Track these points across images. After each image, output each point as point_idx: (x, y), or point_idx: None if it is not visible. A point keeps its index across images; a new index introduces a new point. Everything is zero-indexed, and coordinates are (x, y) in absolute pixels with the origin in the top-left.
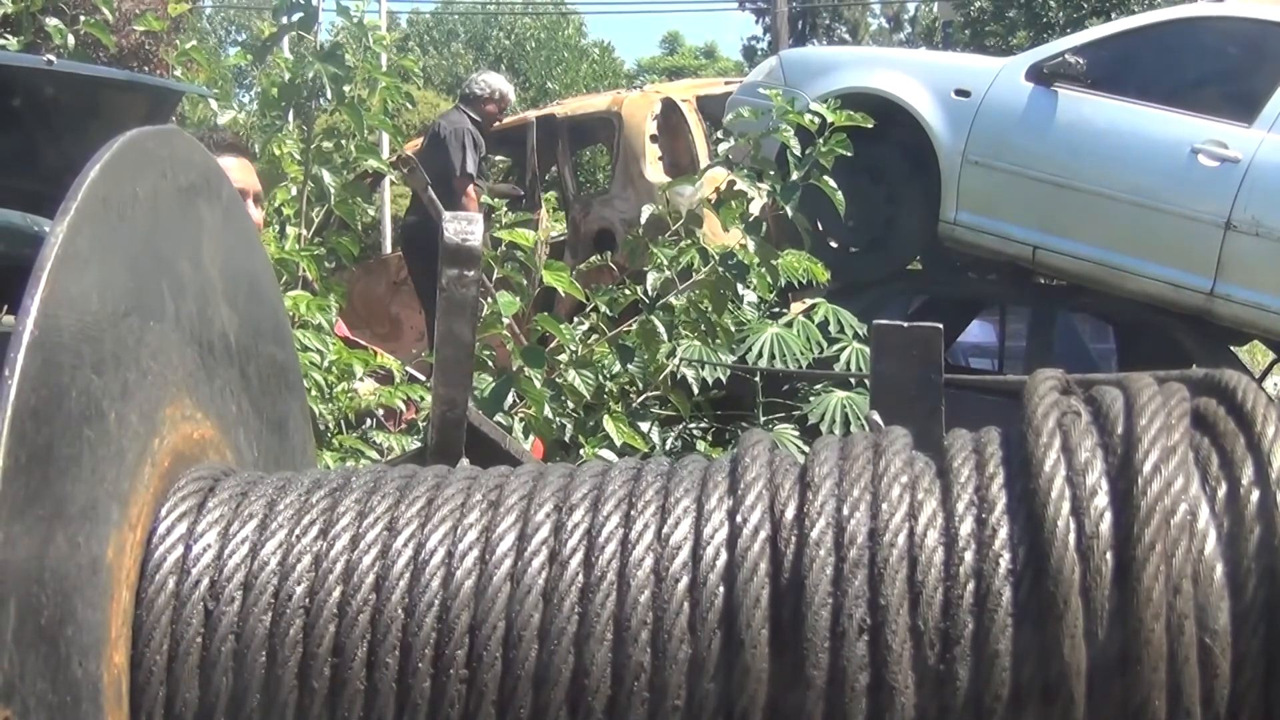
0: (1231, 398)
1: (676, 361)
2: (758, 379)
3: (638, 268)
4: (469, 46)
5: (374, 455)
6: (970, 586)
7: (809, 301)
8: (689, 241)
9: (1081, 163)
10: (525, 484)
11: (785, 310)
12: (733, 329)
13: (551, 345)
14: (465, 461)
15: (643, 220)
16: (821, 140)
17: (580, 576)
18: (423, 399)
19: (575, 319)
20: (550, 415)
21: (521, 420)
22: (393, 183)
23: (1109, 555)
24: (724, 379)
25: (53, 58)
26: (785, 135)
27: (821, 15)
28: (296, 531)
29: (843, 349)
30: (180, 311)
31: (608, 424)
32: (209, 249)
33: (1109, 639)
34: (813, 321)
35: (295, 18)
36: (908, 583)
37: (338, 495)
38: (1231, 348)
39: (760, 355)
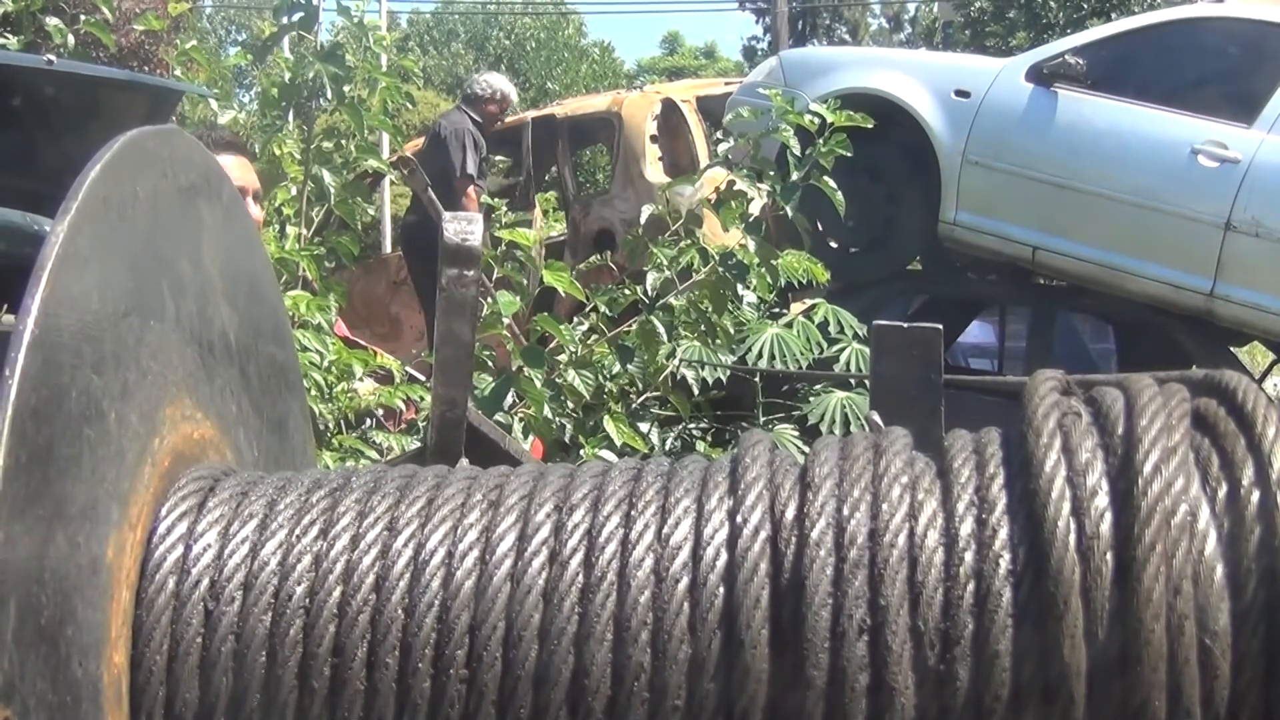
0: (1232, 398)
1: (676, 362)
2: (758, 379)
3: (638, 268)
4: (469, 46)
5: (374, 455)
6: (970, 587)
7: (809, 301)
8: (689, 242)
9: (1081, 163)
10: (525, 484)
11: (785, 310)
12: (732, 329)
13: (551, 345)
14: (465, 461)
15: (643, 220)
16: (821, 140)
17: (580, 577)
18: (423, 399)
19: (575, 319)
20: (550, 415)
21: (521, 420)
22: (393, 182)
23: (1109, 556)
24: (724, 379)
25: (53, 57)
26: (785, 135)
27: (821, 15)
28: (296, 531)
29: (843, 349)
30: (180, 311)
31: (608, 424)
32: (209, 249)
33: (1109, 639)
34: (813, 322)
35: (295, 18)
36: (908, 583)
37: (338, 495)
38: (1231, 348)
39: (760, 355)
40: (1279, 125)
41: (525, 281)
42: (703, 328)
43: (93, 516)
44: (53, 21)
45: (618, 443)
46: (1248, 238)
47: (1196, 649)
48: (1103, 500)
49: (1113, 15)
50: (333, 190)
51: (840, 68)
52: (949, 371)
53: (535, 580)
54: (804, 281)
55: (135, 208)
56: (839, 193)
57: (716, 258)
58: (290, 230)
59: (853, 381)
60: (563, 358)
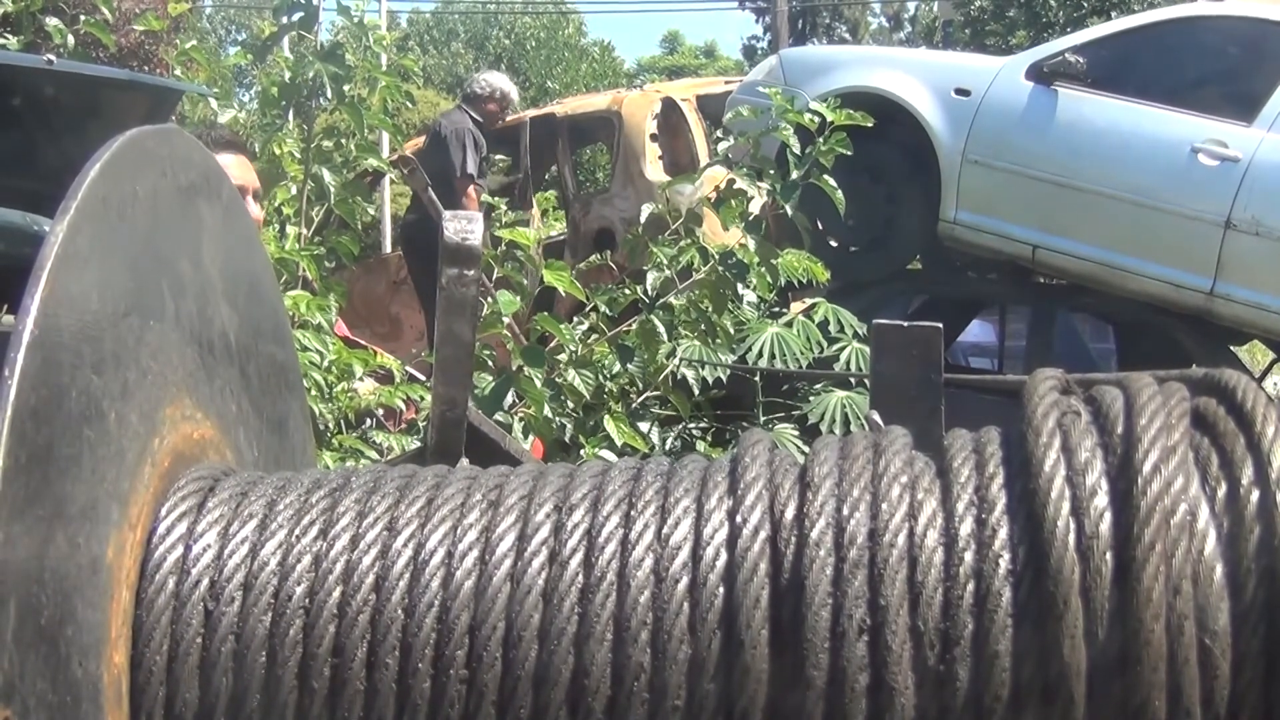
0: (1231, 398)
1: (676, 361)
2: (758, 379)
3: (637, 267)
4: (469, 46)
5: (374, 455)
6: (970, 587)
7: (809, 301)
8: (689, 241)
9: (1081, 162)
10: (525, 484)
11: (785, 310)
12: (732, 329)
13: (551, 345)
14: (465, 461)
15: (642, 219)
16: (821, 139)
17: (580, 577)
18: (423, 399)
19: (575, 319)
20: (550, 415)
21: (521, 420)
22: (393, 182)
23: (1109, 555)
24: (724, 379)
25: (53, 57)
26: (785, 134)
27: (821, 14)
28: (296, 532)
29: (843, 349)
30: (180, 311)
31: (608, 424)
32: (209, 248)
33: (1109, 639)
34: (813, 321)
35: (295, 17)
36: (908, 583)
37: (338, 495)
38: (1231, 348)
39: (760, 355)
40: (1279, 124)
41: (525, 281)
42: (703, 327)
43: (93, 516)
44: (53, 21)
45: (618, 442)
46: (1248, 236)
47: (1196, 649)
48: (1102, 500)
49: (1113, 14)
50: (333, 190)
51: (840, 66)
52: (949, 371)
53: (535, 580)
54: (804, 281)
55: (135, 207)
56: (839, 192)
57: (716, 257)
58: (290, 230)
59: (853, 381)
60: (563, 357)
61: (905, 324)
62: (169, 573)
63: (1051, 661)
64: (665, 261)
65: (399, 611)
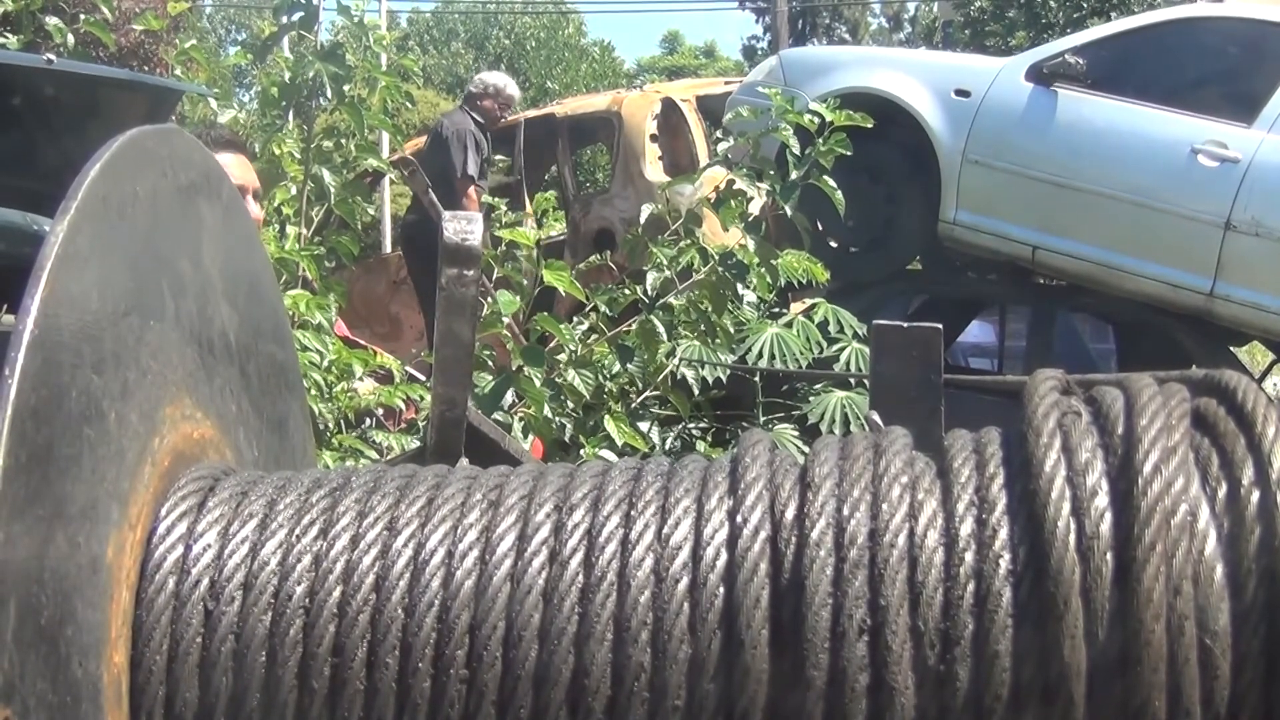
0: (1231, 398)
1: (676, 361)
2: (758, 379)
3: (637, 267)
4: (469, 46)
5: (374, 455)
6: (970, 587)
7: (809, 301)
8: (689, 241)
9: (1081, 163)
10: (525, 484)
11: (785, 310)
12: (732, 329)
13: (551, 345)
14: (465, 461)
15: (642, 220)
16: (821, 140)
17: (580, 577)
18: (422, 399)
19: (575, 319)
20: (550, 415)
21: (521, 420)
22: (393, 182)
23: (1109, 556)
24: (724, 379)
25: (52, 56)
26: (785, 135)
27: (821, 15)
28: (296, 531)
29: (843, 349)
30: (180, 310)
31: (608, 424)
32: (209, 248)
33: (1109, 640)
34: (812, 321)
35: (295, 17)
36: (908, 583)
37: (338, 495)
38: (1231, 348)
39: (760, 355)
40: (1279, 125)
41: (525, 281)
42: (703, 327)
43: (93, 516)
44: (53, 21)
45: (618, 442)
46: (1248, 237)
47: (1196, 649)
48: (1102, 500)
49: (1113, 15)
50: (333, 190)
51: (840, 67)
52: (949, 371)
53: (535, 580)
54: (804, 281)
55: (135, 207)
56: (839, 192)
57: (716, 257)
58: (290, 230)
59: (853, 381)
60: (562, 357)
61: (905, 324)
62: (169, 572)
63: (1052, 662)
64: (665, 262)
65: (399, 611)
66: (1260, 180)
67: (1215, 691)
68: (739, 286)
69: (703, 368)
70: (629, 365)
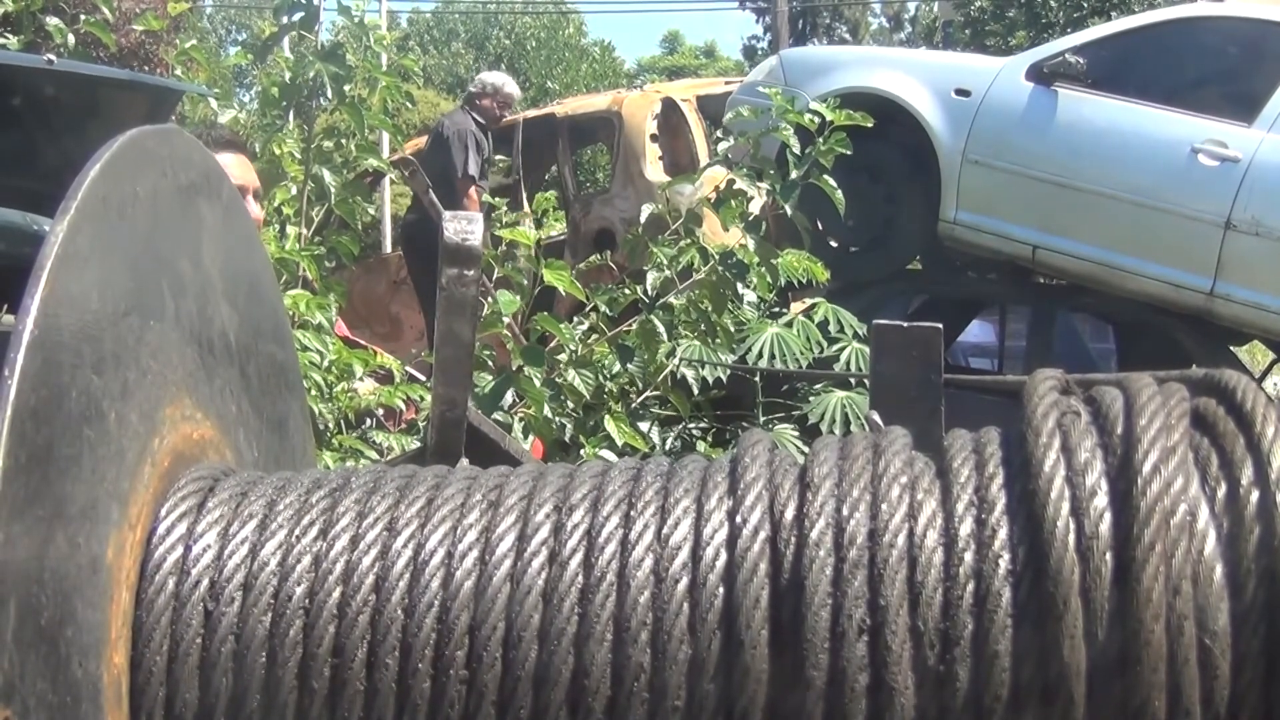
0: (1231, 398)
1: (676, 361)
2: (758, 379)
3: (637, 267)
4: (469, 46)
5: (374, 455)
6: (970, 587)
7: (809, 301)
8: (689, 241)
9: (1081, 162)
10: (525, 484)
11: (785, 310)
12: (732, 329)
13: (551, 345)
14: (465, 461)
15: (642, 219)
16: (821, 139)
17: (580, 577)
18: (423, 399)
19: (575, 319)
20: (550, 415)
21: (521, 420)
22: (393, 182)
23: (1109, 556)
24: (724, 379)
25: (53, 57)
26: (785, 134)
27: (822, 15)
28: (296, 532)
29: (843, 349)
30: (180, 311)
31: (608, 424)
32: (209, 248)
33: (1109, 640)
34: (812, 321)
35: (296, 17)
36: (907, 583)
37: (338, 495)
38: (1231, 348)
39: (760, 355)
40: (1279, 124)
41: (525, 281)
42: (703, 327)
43: (93, 516)
44: (53, 21)
45: (618, 442)
46: (1248, 237)
47: (1196, 649)
48: (1102, 500)
49: (1113, 14)
50: (333, 190)
51: (840, 67)
52: (949, 371)
53: (535, 581)
54: (804, 281)
55: (135, 207)
56: (839, 192)
57: (716, 257)
58: (290, 230)
59: (853, 381)
60: (563, 357)
61: (905, 324)
62: (169, 573)
63: (1051, 662)
64: (665, 261)
65: (399, 612)
66: (1260, 180)
67: (1215, 691)
68: (739, 286)
69: (703, 368)
70: (629, 365)
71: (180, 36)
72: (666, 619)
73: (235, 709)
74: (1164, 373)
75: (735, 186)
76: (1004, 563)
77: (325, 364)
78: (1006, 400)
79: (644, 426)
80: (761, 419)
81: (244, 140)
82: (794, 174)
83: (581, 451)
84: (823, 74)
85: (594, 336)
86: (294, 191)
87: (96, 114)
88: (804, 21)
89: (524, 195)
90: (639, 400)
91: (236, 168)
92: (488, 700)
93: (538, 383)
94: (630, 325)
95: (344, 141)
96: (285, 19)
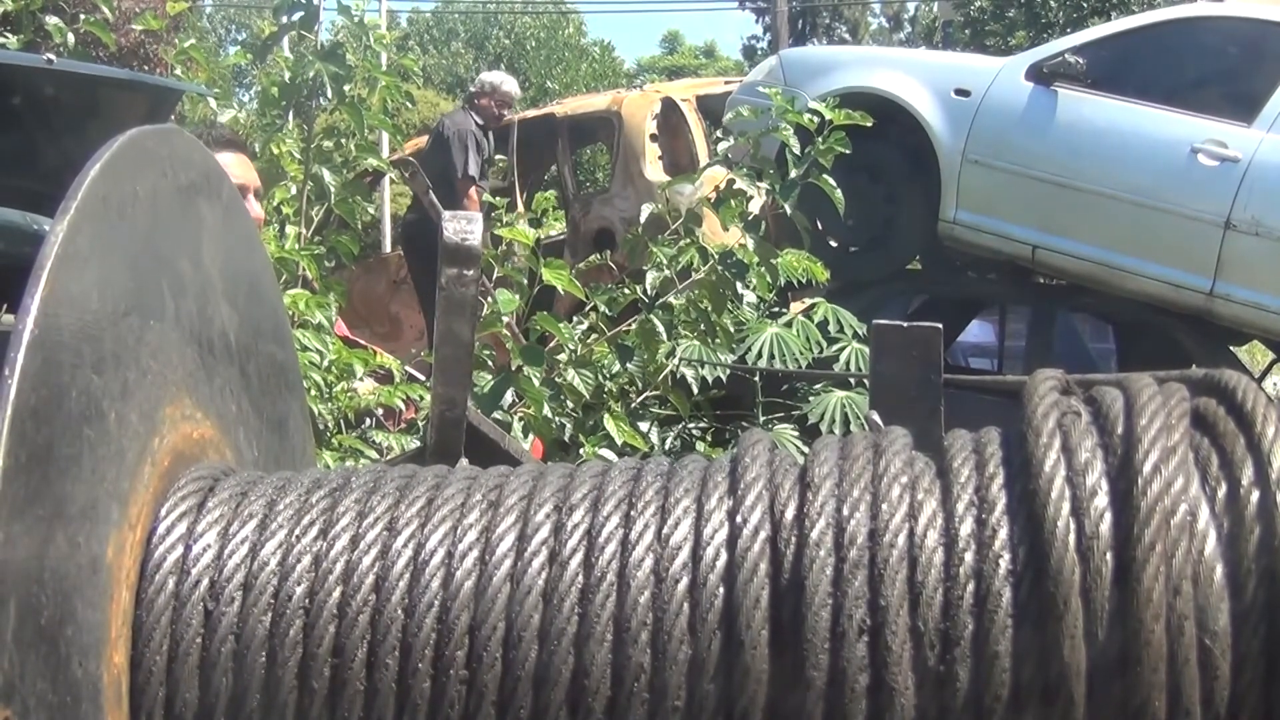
0: (1231, 398)
1: (676, 361)
2: (757, 379)
3: (637, 267)
4: (469, 46)
5: (373, 455)
6: (970, 587)
7: (809, 301)
8: (688, 241)
9: (1081, 162)
10: (525, 484)
11: (785, 310)
12: (732, 329)
13: (551, 344)
14: (465, 461)
15: (642, 219)
16: (821, 139)
17: (580, 577)
18: (422, 399)
19: (574, 318)
20: (550, 414)
21: (521, 420)
22: (393, 182)
23: (1109, 556)
24: (724, 379)
25: (52, 56)
26: (785, 134)
27: (821, 15)
28: (296, 532)
29: (842, 349)
30: (180, 310)
31: (608, 423)
32: (209, 248)
33: (1109, 640)
34: (812, 321)
35: (296, 17)
36: (908, 583)
37: (338, 495)
38: (1231, 348)
39: (760, 355)
40: (1279, 124)
41: (524, 281)
42: (702, 327)
43: (93, 516)
44: (53, 21)
45: (618, 442)
46: (1247, 237)
47: (1196, 649)
48: (1102, 500)
49: (1113, 14)
50: (333, 189)
51: (840, 67)
52: (949, 371)
53: (535, 581)
54: (804, 281)
55: (135, 207)
56: (838, 192)
57: (716, 257)
58: (290, 229)
59: (852, 381)
60: (562, 357)
61: (905, 324)
62: (169, 573)
63: (1051, 662)
64: (665, 261)
65: (399, 612)
66: (1260, 179)
67: (1215, 691)
68: (739, 286)
69: (703, 367)
70: (629, 365)
71: (180, 36)
72: (667, 619)
73: (235, 709)
74: (1164, 373)
75: (735, 186)
76: (1004, 563)
77: (325, 364)
78: (1006, 400)
79: (644, 426)
80: (761, 419)
81: (244, 140)
82: (794, 174)
83: (581, 451)
84: (822, 74)
85: (593, 336)
86: (294, 191)
87: (96, 114)
88: (804, 21)
89: (519, 196)
90: (639, 400)
91: (237, 167)
92: (488, 700)
93: (537, 382)
94: (630, 325)
95: (344, 141)
96: (285, 19)
